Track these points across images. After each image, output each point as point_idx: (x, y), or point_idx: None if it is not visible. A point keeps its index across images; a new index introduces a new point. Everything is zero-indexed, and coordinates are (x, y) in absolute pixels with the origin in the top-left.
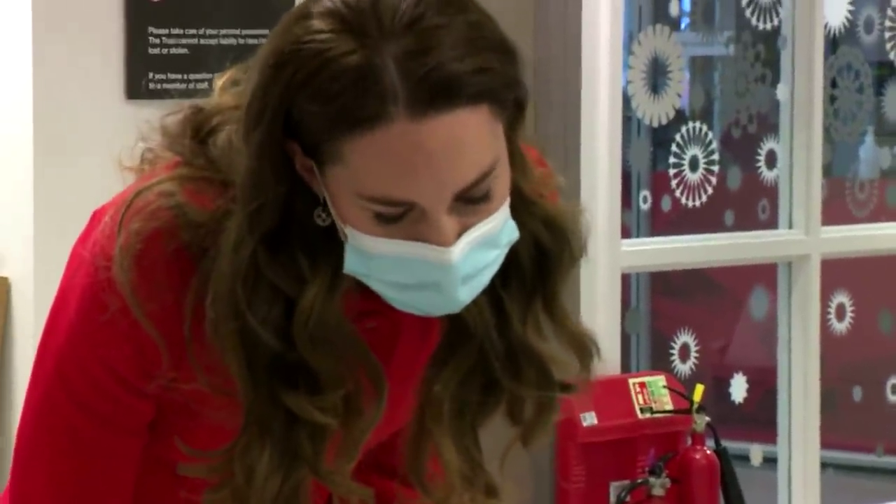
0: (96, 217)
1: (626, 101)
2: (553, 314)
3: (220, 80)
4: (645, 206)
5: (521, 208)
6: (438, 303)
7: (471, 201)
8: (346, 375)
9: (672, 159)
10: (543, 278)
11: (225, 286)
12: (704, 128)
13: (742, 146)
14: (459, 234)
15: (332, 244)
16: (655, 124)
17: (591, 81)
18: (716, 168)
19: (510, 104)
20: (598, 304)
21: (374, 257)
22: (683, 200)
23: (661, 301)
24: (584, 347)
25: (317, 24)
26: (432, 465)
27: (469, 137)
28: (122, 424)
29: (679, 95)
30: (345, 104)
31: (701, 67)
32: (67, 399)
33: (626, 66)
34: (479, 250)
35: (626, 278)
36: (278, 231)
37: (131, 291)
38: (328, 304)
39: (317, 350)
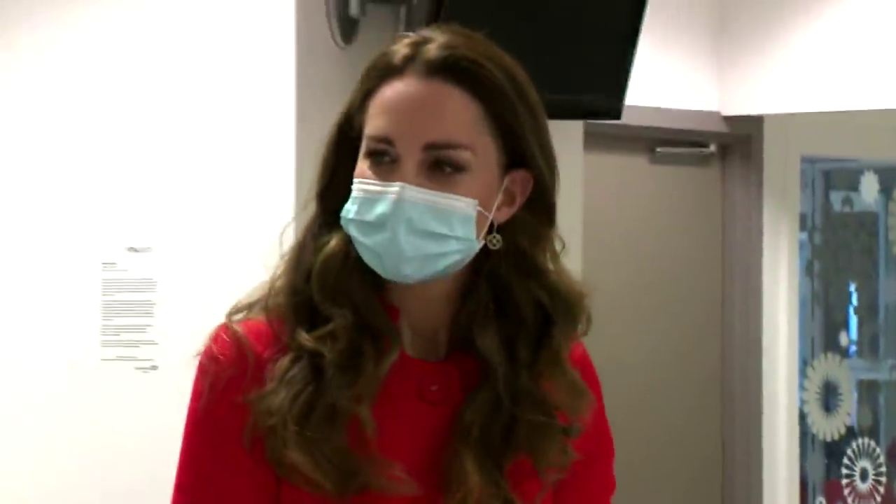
0: None
1: (803, 418)
2: (556, 366)
3: None
4: None
5: (530, 274)
6: (389, 250)
7: (438, 165)
8: (355, 333)
9: (844, 470)
10: (548, 337)
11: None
12: (872, 443)
13: None
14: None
15: None
16: (829, 439)
17: (771, 402)
18: (883, 479)
19: (509, 135)
20: None
21: (355, 199)
22: None
23: None
24: (580, 393)
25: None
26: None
27: (452, 108)
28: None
29: (848, 414)
30: (368, 76)
31: (867, 389)
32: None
33: (802, 387)
34: (431, 214)
35: None
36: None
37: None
38: (341, 249)
39: (325, 293)
